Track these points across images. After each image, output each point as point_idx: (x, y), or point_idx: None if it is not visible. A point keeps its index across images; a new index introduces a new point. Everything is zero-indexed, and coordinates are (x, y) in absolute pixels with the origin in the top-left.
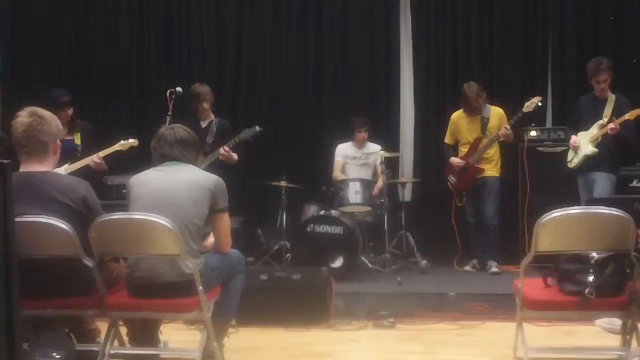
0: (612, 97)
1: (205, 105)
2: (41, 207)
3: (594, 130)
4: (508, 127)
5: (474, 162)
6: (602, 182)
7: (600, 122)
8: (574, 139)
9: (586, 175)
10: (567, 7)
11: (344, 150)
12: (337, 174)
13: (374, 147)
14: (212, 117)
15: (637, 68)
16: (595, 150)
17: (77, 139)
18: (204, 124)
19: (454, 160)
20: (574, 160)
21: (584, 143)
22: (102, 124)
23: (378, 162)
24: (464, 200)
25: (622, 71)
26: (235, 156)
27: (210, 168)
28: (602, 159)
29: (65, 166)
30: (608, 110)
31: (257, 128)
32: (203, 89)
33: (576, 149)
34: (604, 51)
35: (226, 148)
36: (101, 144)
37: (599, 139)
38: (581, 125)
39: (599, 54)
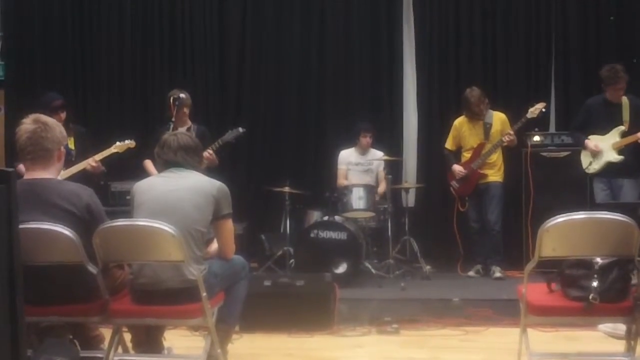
0: (625, 101)
1: (186, 110)
2: (45, 214)
3: (616, 137)
4: (512, 132)
5: (477, 167)
6: (630, 188)
7: (623, 128)
8: (594, 144)
9: (610, 182)
10: (569, 12)
11: (346, 156)
12: (342, 182)
13: (376, 153)
14: (190, 123)
15: (638, 68)
16: (621, 157)
17: (71, 144)
18: (182, 130)
19: (456, 168)
20: (593, 165)
21: (606, 149)
22: (105, 126)
23: (381, 167)
24: (466, 205)
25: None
26: (216, 160)
27: None
28: (627, 164)
29: (61, 171)
30: (626, 115)
31: (240, 129)
32: (184, 94)
33: (596, 154)
34: (607, 53)
35: (210, 151)
36: (101, 146)
37: (623, 146)
38: (592, 128)
39: (601, 58)
